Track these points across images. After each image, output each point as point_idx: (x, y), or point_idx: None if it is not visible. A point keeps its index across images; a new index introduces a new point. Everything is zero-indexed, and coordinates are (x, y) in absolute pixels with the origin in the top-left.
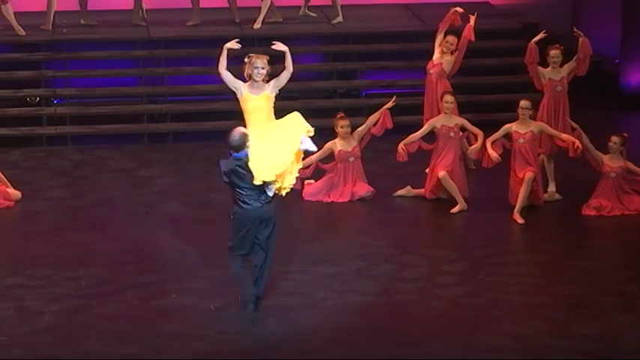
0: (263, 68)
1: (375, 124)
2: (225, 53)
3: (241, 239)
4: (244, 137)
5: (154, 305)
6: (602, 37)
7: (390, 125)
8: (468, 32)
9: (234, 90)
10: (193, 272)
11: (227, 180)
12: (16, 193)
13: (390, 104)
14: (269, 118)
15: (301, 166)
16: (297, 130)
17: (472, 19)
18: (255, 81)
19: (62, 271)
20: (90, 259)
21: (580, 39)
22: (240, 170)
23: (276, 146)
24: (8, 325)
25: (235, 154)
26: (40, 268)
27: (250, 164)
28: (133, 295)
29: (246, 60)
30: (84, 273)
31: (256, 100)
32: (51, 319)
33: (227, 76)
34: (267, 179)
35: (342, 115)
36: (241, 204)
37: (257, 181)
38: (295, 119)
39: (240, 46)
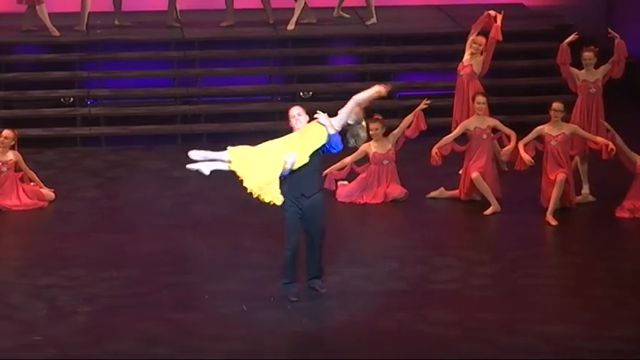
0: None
1: (408, 127)
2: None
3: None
4: None
5: (186, 306)
6: (636, 39)
7: (423, 127)
8: (495, 32)
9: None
10: (226, 273)
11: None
12: (49, 194)
13: (422, 106)
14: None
15: (337, 168)
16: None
17: (499, 19)
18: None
19: (95, 272)
20: (123, 260)
21: (615, 41)
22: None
23: (268, 161)
24: (42, 325)
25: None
26: (73, 269)
27: (240, 169)
28: (165, 295)
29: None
30: (117, 273)
31: None
32: (84, 319)
33: None
34: (250, 189)
35: (375, 117)
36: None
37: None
38: (314, 131)
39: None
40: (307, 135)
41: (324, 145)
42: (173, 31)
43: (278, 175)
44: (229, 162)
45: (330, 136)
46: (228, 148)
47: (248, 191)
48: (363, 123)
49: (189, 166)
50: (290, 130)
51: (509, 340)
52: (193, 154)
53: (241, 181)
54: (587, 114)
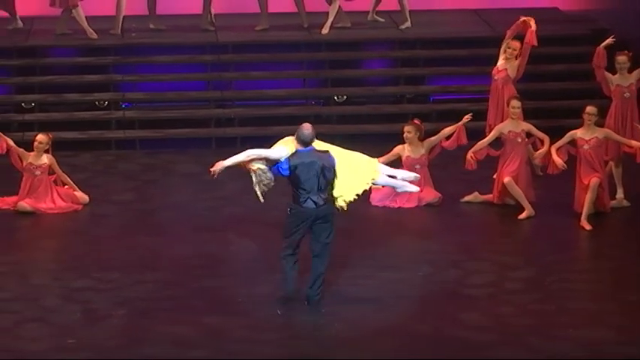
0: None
1: (447, 138)
2: None
3: (292, 235)
4: (314, 133)
5: (220, 309)
6: None
7: (464, 141)
8: (530, 37)
9: None
10: (260, 276)
11: (291, 174)
12: (84, 197)
13: (465, 120)
14: None
15: None
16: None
17: (533, 24)
18: None
19: (129, 275)
20: (157, 263)
21: None
22: (325, 168)
23: (354, 170)
24: (76, 328)
25: (303, 148)
26: (107, 272)
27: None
28: (199, 298)
29: None
30: (151, 276)
31: None
32: (118, 322)
33: None
34: (347, 199)
35: (414, 121)
36: (300, 202)
37: (340, 202)
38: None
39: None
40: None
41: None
42: (207, 35)
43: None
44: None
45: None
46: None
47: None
48: (253, 177)
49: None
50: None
51: (544, 345)
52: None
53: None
54: (622, 118)
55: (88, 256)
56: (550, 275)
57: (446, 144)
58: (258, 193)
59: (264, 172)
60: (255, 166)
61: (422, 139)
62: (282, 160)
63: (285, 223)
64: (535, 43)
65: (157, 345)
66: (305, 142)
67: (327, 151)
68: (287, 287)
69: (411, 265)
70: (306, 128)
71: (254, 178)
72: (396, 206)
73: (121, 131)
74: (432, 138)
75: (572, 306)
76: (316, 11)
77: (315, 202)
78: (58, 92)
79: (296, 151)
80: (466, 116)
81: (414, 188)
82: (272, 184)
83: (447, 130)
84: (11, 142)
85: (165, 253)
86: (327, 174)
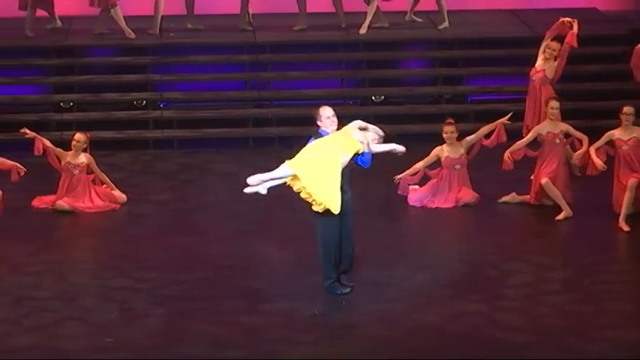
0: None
1: (486, 136)
2: None
3: (331, 233)
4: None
5: (258, 309)
6: None
7: (504, 139)
8: (571, 39)
9: None
10: (297, 276)
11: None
12: (121, 196)
13: (505, 119)
14: None
15: (409, 174)
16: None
17: (575, 25)
18: None
19: (167, 274)
20: (195, 263)
21: None
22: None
23: (327, 170)
24: (113, 327)
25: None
26: (145, 271)
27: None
28: (237, 298)
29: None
30: (188, 276)
31: None
32: (155, 321)
33: None
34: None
35: (450, 120)
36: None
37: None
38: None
39: None
40: (348, 142)
41: (355, 156)
42: (245, 35)
43: (338, 184)
44: (294, 177)
45: (363, 153)
46: (287, 163)
47: (317, 201)
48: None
49: (247, 190)
50: None
51: (581, 346)
52: (250, 180)
53: (301, 190)
54: None
55: (125, 255)
56: (588, 276)
57: (486, 142)
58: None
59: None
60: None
61: (459, 138)
62: (361, 152)
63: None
64: (575, 44)
65: (194, 345)
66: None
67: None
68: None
69: (448, 265)
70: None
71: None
72: (434, 206)
73: (159, 131)
74: (470, 137)
75: (610, 307)
76: (354, 11)
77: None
78: (96, 92)
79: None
80: (507, 116)
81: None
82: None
83: (485, 129)
84: (48, 143)
85: (202, 253)
86: None
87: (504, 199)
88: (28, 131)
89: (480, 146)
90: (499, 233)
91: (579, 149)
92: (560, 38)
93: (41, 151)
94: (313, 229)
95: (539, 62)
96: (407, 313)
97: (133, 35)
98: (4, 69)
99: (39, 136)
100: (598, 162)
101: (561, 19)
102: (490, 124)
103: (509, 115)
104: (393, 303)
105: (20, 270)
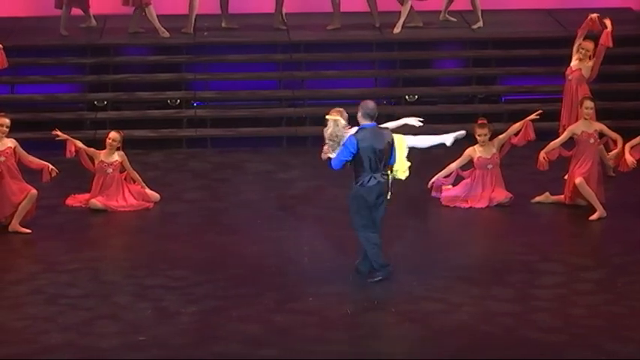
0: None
1: (516, 134)
2: None
3: (366, 217)
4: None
5: (291, 308)
6: None
7: (532, 137)
8: (605, 38)
9: None
10: (330, 276)
11: (355, 152)
12: (155, 195)
13: (533, 116)
14: None
15: (443, 175)
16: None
17: (609, 24)
18: None
19: (200, 273)
20: (228, 261)
21: None
22: (389, 144)
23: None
24: (146, 325)
25: (369, 123)
26: (178, 270)
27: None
28: (270, 297)
29: None
30: (221, 275)
31: None
32: (188, 320)
33: None
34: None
35: (482, 122)
36: (364, 182)
37: (400, 175)
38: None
39: None
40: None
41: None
42: (279, 34)
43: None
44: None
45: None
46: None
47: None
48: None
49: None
50: None
51: (615, 347)
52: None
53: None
54: None
55: (159, 254)
56: (622, 277)
57: (514, 140)
58: (327, 145)
59: (339, 127)
60: (336, 117)
61: (490, 138)
62: (347, 139)
63: (352, 207)
64: (610, 44)
65: (226, 343)
66: (372, 116)
67: (387, 128)
68: (382, 259)
69: (481, 265)
70: (370, 102)
71: (330, 127)
72: (467, 206)
73: (193, 129)
74: (501, 136)
75: None
76: (388, 11)
77: (377, 180)
78: (130, 90)
79: (362, 127)
80: (536, 112)
81: (453, 136)
82: (340, 142)
83: (515, 127)
84: (80, 144)
85: (235, 252)
86: (390, 150)
87: (538, 199)
88: (59, 133)
89: (510, 145)
90: (532, 233)
91: (613, 149)
92: (592, 37)
93: (73, 154)
94: (347, 228)
95: (574, 62)
96: (440, 313)
97: (167, 34)
98: (39, 67)
99: (70, 138)
100: (629, 159)
101: (590, 16)
102: (519, 122)
103: (538, 112)
104: (424, 303)
105: (54, 268)
